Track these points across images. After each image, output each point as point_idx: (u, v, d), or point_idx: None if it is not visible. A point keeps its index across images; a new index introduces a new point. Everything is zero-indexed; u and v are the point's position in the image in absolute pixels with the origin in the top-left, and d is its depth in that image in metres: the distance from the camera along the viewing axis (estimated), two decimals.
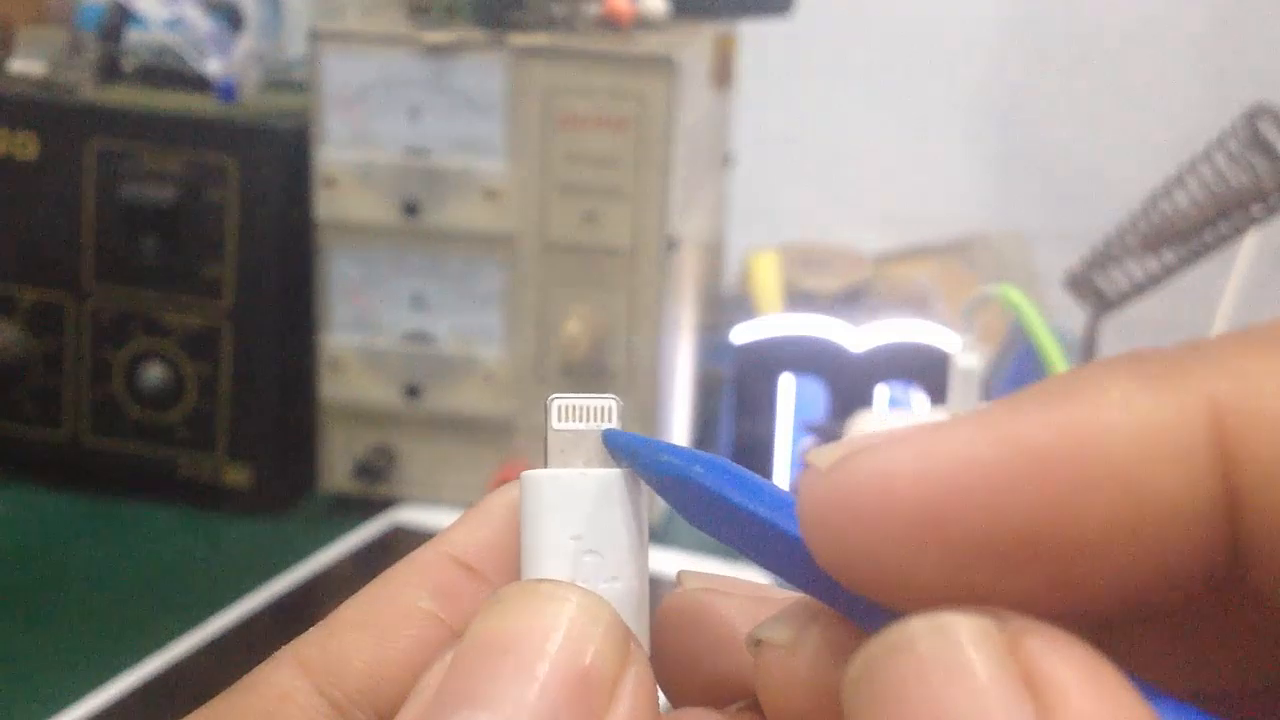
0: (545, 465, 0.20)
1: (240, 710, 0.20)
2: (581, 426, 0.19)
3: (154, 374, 0.72)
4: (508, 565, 0.20)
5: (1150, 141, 1.14)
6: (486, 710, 0.17)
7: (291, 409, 0.73)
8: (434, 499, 0.72)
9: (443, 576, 0.21)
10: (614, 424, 0.19)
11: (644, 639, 0.19)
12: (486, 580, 0.21)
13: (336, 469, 0.73)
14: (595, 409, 0.19)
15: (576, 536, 0.19)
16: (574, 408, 0.19)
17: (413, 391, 0.72)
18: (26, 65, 0.75)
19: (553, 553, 0.19)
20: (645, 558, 0.19)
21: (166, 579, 0.67)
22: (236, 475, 0.72)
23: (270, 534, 0.72)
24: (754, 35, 0.87)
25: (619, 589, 0.19)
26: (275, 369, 0.73)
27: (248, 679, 0.20)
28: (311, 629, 0.20)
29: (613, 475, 0.19)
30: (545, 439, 0.19)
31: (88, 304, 0.73)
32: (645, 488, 0.19)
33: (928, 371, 0.72)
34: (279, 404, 0.73)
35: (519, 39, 0.68)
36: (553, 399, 0.19)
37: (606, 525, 0.19)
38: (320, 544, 0.67)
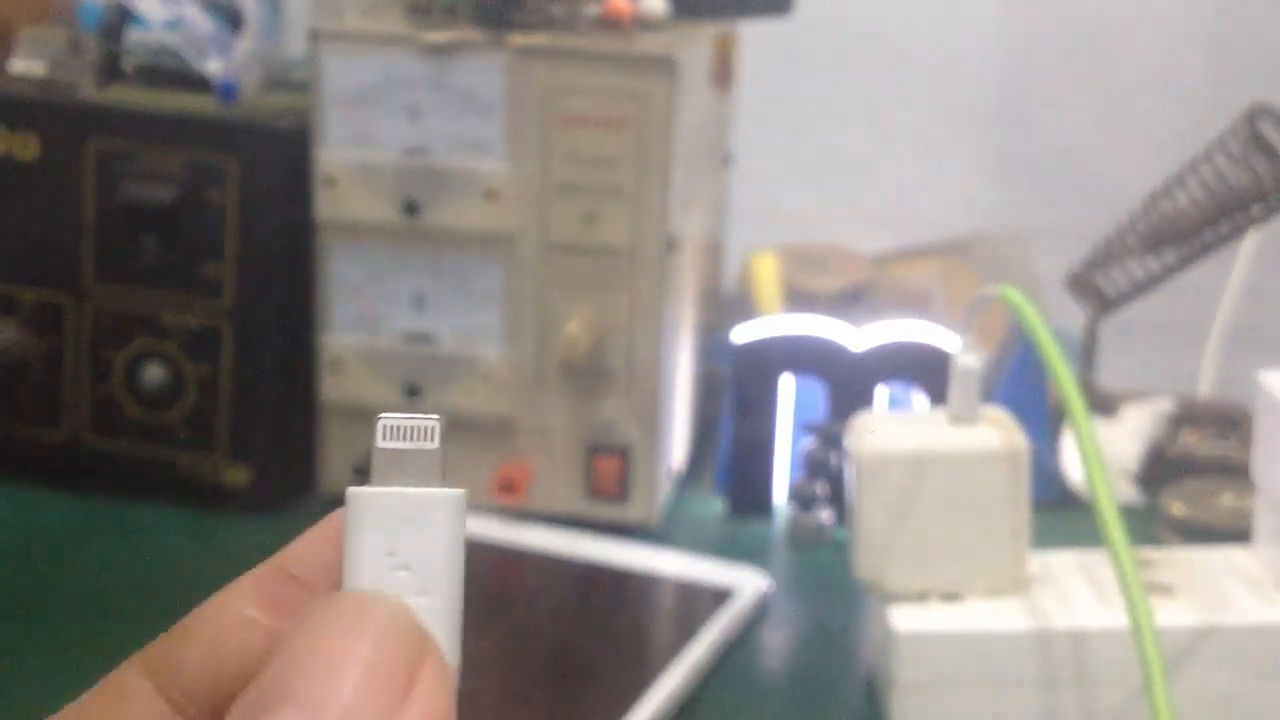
0: (369, 483, 0.20)
1: (90, 709, 0.22)
2: (406, 445, 0.20)
3: (154, 374, 0.72)
4: (337, 579, 0.21)
5: (1150, 141, 1.14)
6: (296, 707, 0.19)
7: (291, 409, 0.73)
8: None
9: (273, 589, 0.23)
10: (436, 444, 0.20)
11: (454, 650, 0.20)
12: (314, 593, 0.22)
13: (336, 469, 0.73)
14: (420, 429, 0.20)
15: (391, 553, 0.19)
16: (399, 427, 0.20)
17: (413, 391, 0.72)
18: (27, 65, 0.75)
19: (368, 568, 0.20)
20: (459, 574, 0.20)
21: (166, 579, 0.67)
22: (236, 475, 0.72)
23: (270, 534, 0.71)
24: (754, 35, 0.87)
25: (426, 604, 0.20)
26: (275, 369, 0.73)
27: (101, 682, 0.23)
28: (160, 636, 0.23)
29: (429, 494, 0.19)
30: (370, 457, 0.20)
31: (88, 304, 0.73)
32: (465, 505, 0.20)
33: (928, 371, 0.72)
34: (279, 404, 0.73)
35: (519, 39, 0.68)
36: (379, 418, 0.20)
37: (420, 543, 0.19)
38: None
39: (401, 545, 0.19)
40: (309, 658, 0.19)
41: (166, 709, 0.22)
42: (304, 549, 0.23)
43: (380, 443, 0.20)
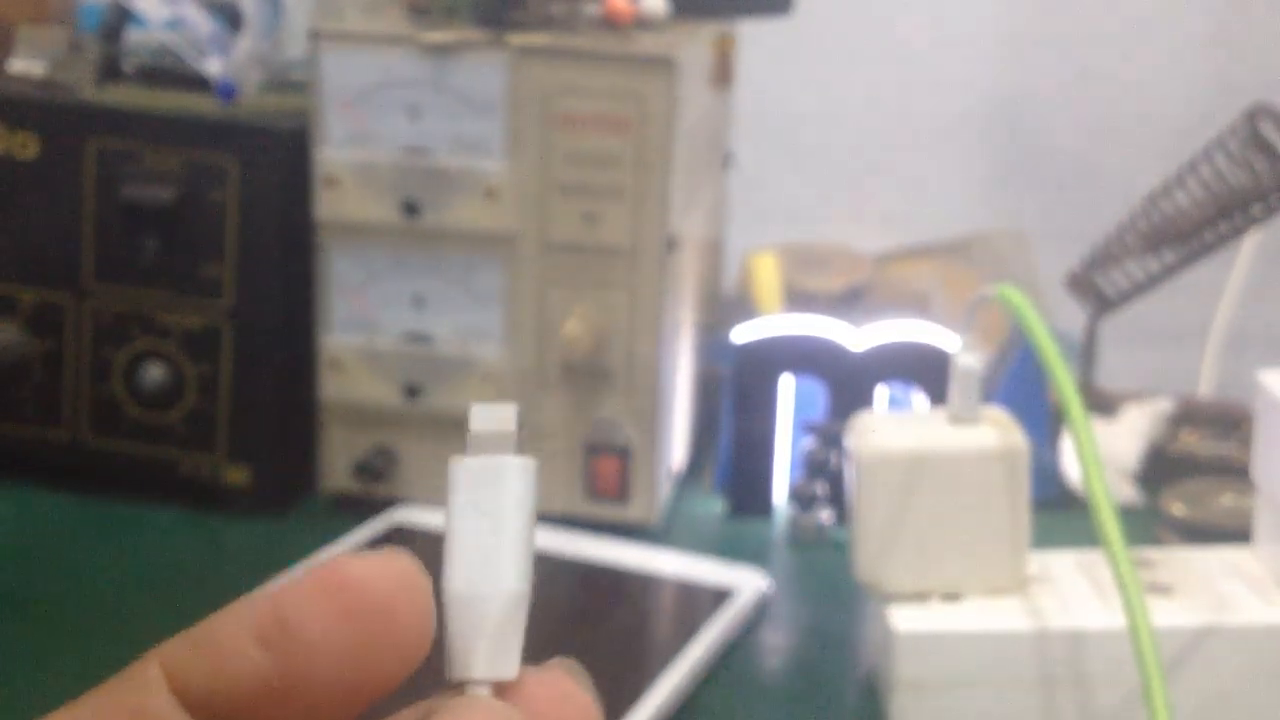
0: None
1: (106, 698, 0.23)
2: (489, 428, 0.25)
3: (154, 374, 0.72)
4: (326, 631, 0.23)
5: (1150, 141, 1.14)
6: None
7: (291, 409, 0.73)
8: (434, 499, 0.72)
9: (270, 629, 0.23)
10: (513, 427, 0.26)
11: (525, 575, 0.25)
12: (306, 642, 0.23)
13: (336, 469, 0.73)
14: (502, 416, 0.26)
15: (474, 504, 0.25)
16: (486, 414, 0.26)
17: (413, 391, 0.72)
18: (26, 65, 0.75)
19: (459, 514, 0.25)
20: (525, 520, 0.25)
21: (166, 579, 0.67)
22: (236, 475, 0.72)
23: (270, 534, 0.72)
24: (754, 35, 0.87)
25: (495, 541, 0.25)
26: (275, 369, 0.73)
27: (122, 672, 0.24)
28: (180, 636, 0.24)
29: (503, 461, 0.25)
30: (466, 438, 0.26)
31: (88, 304, 0.73)
32: (532, 469, 0.25)
33: (928, 371, 0.72)
34: (279, 404, 0.73)
35: (519, 39, 0.68)
36: (472, 406, 0.26)
37: (496, 497, 0.25)
38: (320, 544, 0.67)
39: (482, 499, 0.25)
40: None
41: (179, 708, 0.23)
42: (301, 597, 0.23)
43: (471, 425, 0.25)
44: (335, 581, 0.22)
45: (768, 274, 0.88)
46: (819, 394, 0.74)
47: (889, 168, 1.24)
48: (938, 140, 1.25)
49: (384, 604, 0.22)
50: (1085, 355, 0.80)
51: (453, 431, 0.73)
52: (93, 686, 0.53)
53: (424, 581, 0.23)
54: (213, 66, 0.75)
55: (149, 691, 0.22)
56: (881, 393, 0.74)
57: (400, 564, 0.23)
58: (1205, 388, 1.03)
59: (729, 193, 0.90)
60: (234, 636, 0.22)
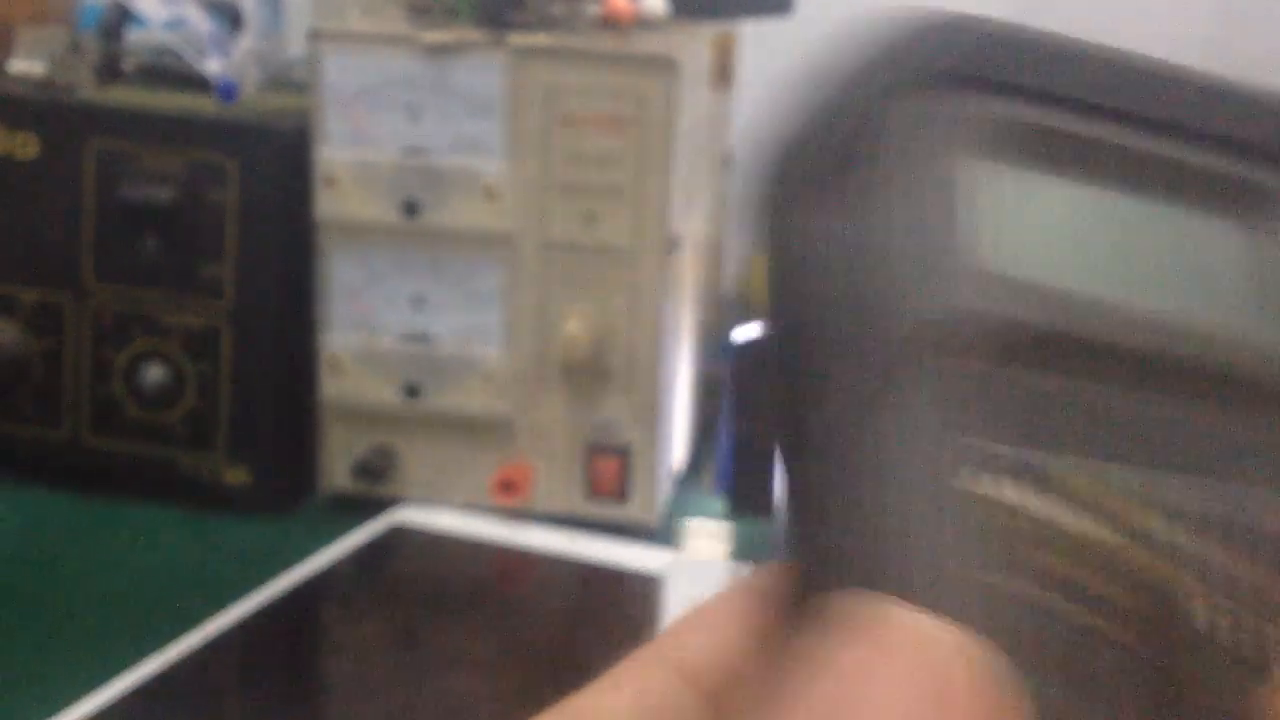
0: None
1: (610, 685, 0.23)
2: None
3: (154, 374, 0.72)
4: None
5: None
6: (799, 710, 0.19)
7: (291, 409, 0.73)
8: (434, 499, 0.72)
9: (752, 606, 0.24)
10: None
11: None
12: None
13: (336, 469, 0.73)
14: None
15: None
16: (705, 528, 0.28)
17: (413, 391, 0.72)
18: (26, 65, 0.75)
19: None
20: None
21: (166, 579, 0.67)
22: (236, 475, 0.72)
23: (270, 534, 0.72)
24: (754, 35, 0.87)
25: None
26: (275, 369, 0.73)
27: (612, 670, 0.24)
28: (659, 634, 0.24)
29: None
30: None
31: (88, 304, 0.73)
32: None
33: None
34: (279, 404, 0.73)
35: (519, 39, 0.68)
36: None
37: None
38: (320, 544, 0.67)
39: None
40: (825, 667, 0.18)
41: (681, 684, 0.24)
42: (772, 574, 0.24)
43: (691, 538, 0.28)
44: None
45: None
46: None
47: None
48: None
49: None
50: None
51: (453, 431, 0.73)
52: (93, 686, 0.53)
53: None
54: (213, 66, 0.75)
55: (652, 670, 0.24)
56: None
57: None
58: None
59: (729, 193, 0.90)
60: (735, 607, 0.24)
